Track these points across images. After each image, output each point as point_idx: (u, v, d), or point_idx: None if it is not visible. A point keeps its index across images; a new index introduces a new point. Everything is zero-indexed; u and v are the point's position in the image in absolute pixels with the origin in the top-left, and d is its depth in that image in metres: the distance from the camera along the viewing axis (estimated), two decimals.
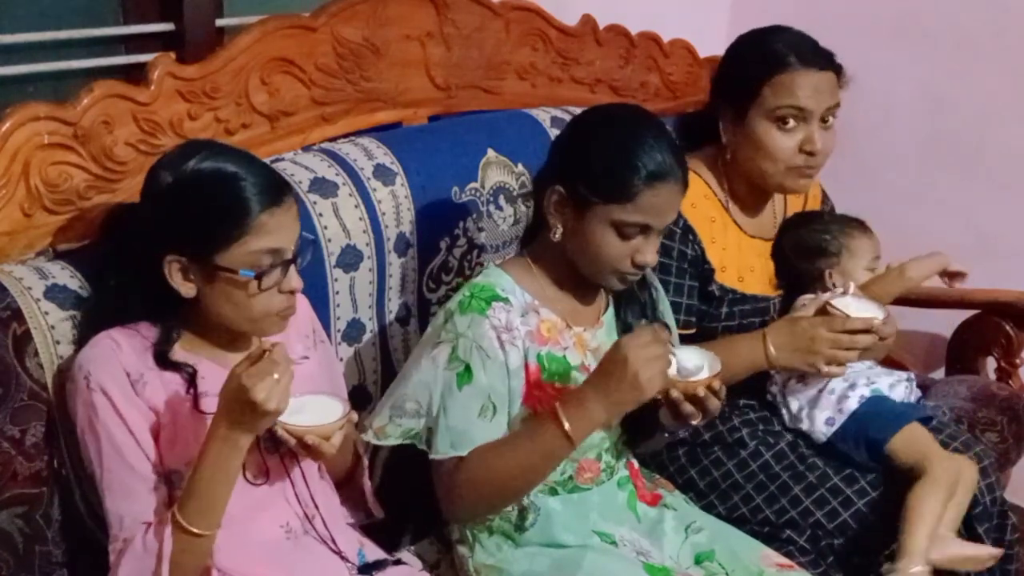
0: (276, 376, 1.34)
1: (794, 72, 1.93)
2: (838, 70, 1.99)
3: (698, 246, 1.98)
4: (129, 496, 1.45)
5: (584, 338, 1.72)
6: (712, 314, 2.02)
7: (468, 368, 1.61)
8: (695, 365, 1.62)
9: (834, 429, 1.94)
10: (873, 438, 1.91)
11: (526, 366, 1.65)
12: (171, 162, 1.48)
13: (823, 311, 1.87)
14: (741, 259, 2.05)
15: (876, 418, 1.93)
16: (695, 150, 2.06)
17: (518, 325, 1.65)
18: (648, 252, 1.62)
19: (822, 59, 1.96)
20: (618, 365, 1.51)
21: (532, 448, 1.59)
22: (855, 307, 1.85)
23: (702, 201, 2.02)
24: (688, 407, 1.61)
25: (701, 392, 1.60)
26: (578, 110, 1.79)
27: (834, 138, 2.00)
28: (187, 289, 1.46)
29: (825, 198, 2.25)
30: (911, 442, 1.90)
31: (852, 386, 1.96)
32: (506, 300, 1.65)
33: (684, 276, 1.96)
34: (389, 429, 1.66)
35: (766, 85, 1.95)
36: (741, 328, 2.03)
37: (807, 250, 2.03)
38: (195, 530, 1.39)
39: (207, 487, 1.40)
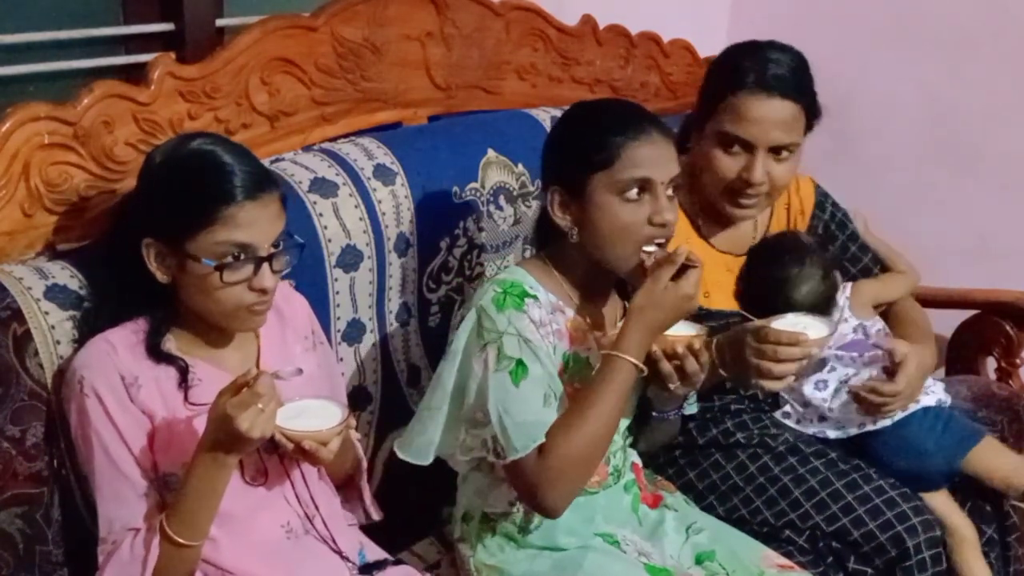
0: (260, 406, 1.34)
1: (746, 96, 1.85)
2: (806, 101, 1.88)
3: None
4: (119, 501, 1.46)
5: (603, 343, 1.70)
6: None
7: (521, 363, 1.57)
8: (676, 330, 1.63)
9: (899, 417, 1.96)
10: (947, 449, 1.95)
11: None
12: (164, 147, 1.50)
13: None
14: (706, 274, 1.97)
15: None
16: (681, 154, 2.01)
17: (548, 322, 1.64)
18: (663, 209, 1.59)
19: (786, 87, 1.85)
20: (666, 303, 1.56)
21: (603, 396, 1.57)
22: (800, 323, 1.73)
23: None
24: (666, 366, 1.61)
25: (680, 349, 1.60)
26: None
27: (790, 172, 1.92)
28: (162, 274, 1.47)
29: (820, 205, 2.14)
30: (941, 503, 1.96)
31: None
32: (535, 297, 1.64)
33: None
34: (470, 442, 1.63)
35: (721, 103, 1.88)
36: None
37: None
38: (181, 540, 1.41)
39: (194, 501, 1.41)
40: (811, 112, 1.92)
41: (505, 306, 1.60)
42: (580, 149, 1.60)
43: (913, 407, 1.96)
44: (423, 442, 1.66)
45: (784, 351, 1.68)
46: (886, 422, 1.96)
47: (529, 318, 1.60)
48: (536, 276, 1.67)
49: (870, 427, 1.98)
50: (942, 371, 2.61)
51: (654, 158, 1.60)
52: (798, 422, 2.03)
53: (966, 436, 1.99)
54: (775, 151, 1.88)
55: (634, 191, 1.59)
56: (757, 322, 1.74)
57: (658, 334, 1.60)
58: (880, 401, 1.90)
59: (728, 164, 1.89)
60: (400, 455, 1.68)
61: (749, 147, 1.87)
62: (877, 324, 2.04)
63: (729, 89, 1.88)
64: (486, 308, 1.60)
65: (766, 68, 1.87)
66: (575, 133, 1.63)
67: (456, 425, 1.64)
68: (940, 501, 1.96)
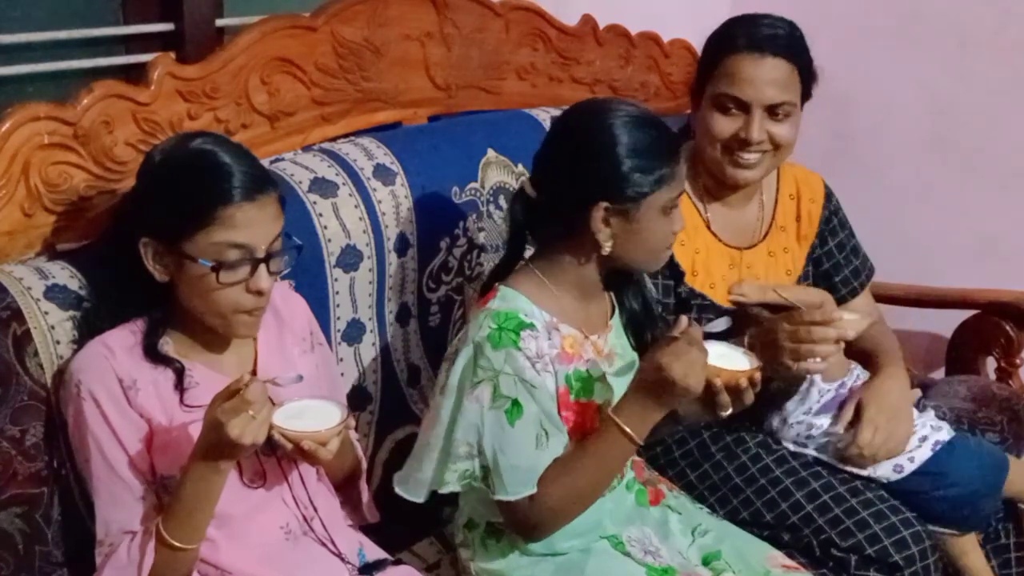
0: (251, 413, 1.34)
1: (738, 56, 1.88)
2: (799, 61, 1.90)
3: None
4: (116, 504, 1.46)
5: (598, 345, 1.71)
6: None
7: (516, 403, 1.58)
8: (732, 357, 1.65)
9: (903, 476, 1.93)
10: (977, 491, 1.93)
11: (557, 388, 1.64)
12: (163, 146, 1.49)
13: (776, 308, 1.84)
14: (711, 265, 2.00)
15: (969, 470, 1.94)
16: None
17: (547, 350, 1.63)
18: (679, 217, 1.66)
19: (777, 46, 1.88)
20: (661, 380, 1.54)
21: (599, 461, 1.61)
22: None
23: None
24: (725, 398, 1.62)
25: (744, 383, 1.61)
26: None
27: (791, 132, 1.92)
28: (160, 274, 1.46)
29: (829, 199, 2.14)
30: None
31: (923, 438, 1.95)
32: (531, 326, 1.62)
33: (656, 276, 1.93)
34: (447, 476, 1.62)
35: (715, 69, 1.91)
36: (705, 336, 1.99)
37: None
38: (177, 544, 1.41)
39: (189, 505, 1.41)
40: (806, 74, 1.93)
41: (501, 344, 1.59)
42: (641, 172, 1.58)
43: (911, 467, 1.94)
44: (420, 479, 1.65)
45: (818, 331, 1.72)
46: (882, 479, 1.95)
47: (525, 356, 1.59)
48: (529, 294, 1.65)
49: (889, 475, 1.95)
50: (942, 371, 2.62)
51: (685, 171, 1.66)
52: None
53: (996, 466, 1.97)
54: (772, 111, 1.89)
55: (673, 203, 1.63)
56: (802, 309, 1.76)
57: (660, 411, 1.60)
58: (860, 455, 1.90)
59: (726, 124, 1.91)
60: (397, 490, 1.67)
61: (745, 107, 1.89)
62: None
63: (722, 53, 1.91)
64: (482, 346, 1.59)
65: (757, 29, 1.90)
66: (629, 156, 1.58)
67: (437, 457, 1.63)
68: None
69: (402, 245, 1.99)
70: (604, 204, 1.59)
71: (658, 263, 1.72)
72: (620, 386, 1.67)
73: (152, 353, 1.49)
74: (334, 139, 2.05)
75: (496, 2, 2.27)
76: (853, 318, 1.76)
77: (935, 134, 2.77)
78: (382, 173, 1.98)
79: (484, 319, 1.61)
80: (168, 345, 1.52)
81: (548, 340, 1.63)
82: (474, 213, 2.09)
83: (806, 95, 1.95)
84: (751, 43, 1.88)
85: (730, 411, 1.64)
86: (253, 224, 1.44)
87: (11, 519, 1.52)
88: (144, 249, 1.46)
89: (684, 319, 1.59)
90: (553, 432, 1.62)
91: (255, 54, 1.88)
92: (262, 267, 1.46)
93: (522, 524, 1.64)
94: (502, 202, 2.14)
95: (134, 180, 1.53)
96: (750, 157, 1.92)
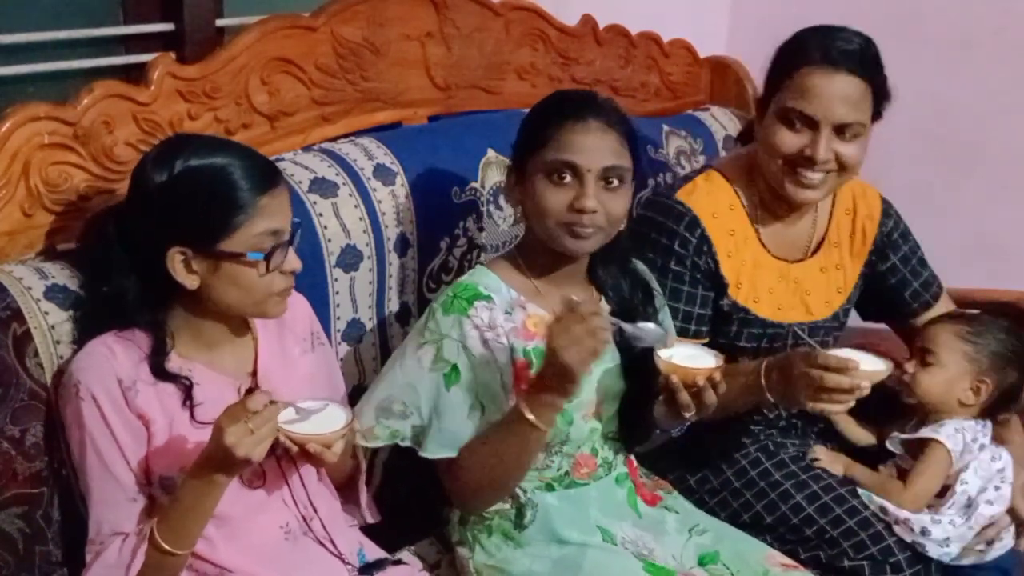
0: (251, 426, 1.33)
1: (810, 69, 1.80)
2: (873, 80, 1.83)
3: (712, 260, 1.90)
4: (108, 505, 1.46)
5: None
6: (721, 330, 1.95)
7: (455, 368, 1.64)
8: (699, 358, 1.63)
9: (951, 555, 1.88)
10: None
11: (514, 361, 1.66)
12: (158, 162, 1.47)
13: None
14: (757, 278, 1.94)
15: None
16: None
17: (502, 322, 1.66)
18: (586, 198, 1.60)
19: (852, 62, 1.80)
20: (550, 360, 1.52)
21: (510, 441, 1.62)
22: (857, 356, 1.66)
23: (725, 212, 1.92)
24: (684, 396, 1.61)
25: (701, 381, 1.60)
26: None
27: (859, 154, 1.85)
28: (192, 281, 1.47)
29: (887, 215, 2.07)
30: None
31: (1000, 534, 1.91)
32: (488, 298, 1.67)
33: (697, 286, 1.90)
34: (377, 431, 1.68)
35: (785, 81, 1.84)
36: (746, 351, 1.95)
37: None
38: (168, 548, 1.41)
39: (184, 512, 1.42)
40: (879, 93, 1.86)
41: (451, 310, 1.65)
42: (524, 130, 1.68)
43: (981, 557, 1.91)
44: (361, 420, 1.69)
45: (831, 378, 1.63)
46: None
47: (473, 323, 1.64)
48: (501, 273, 1.71)
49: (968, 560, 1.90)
50: None
51: (584, 145, 1.61)
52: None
53: None
54: (840, 131, 1.82)
55: (564, 172, 1.61)
56: (819, 352, 1.66)
57: (559, 396, 1.57)
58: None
59: (791, 140, 1.83)
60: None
61: (813, 124, 1.81)
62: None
63: (794, 65, 1.83)
64: (435, 310, 1.66)
65: (833, 43, 1.82)
66: (528, 116, 1.70)
67: (372, 412, 1.68)
68: None
69: (402, 245, 1.99)
70: (510, 167, 1.72)
71: (554, 236, 1.63)
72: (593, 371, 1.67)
73: (160, 372, 1.48)
74: (334, 139, 2.05)
75: (496, 2, 2.28)
76: (875, 369, 1.64)
77: (935, 134, 2.77)
78: (382, 173, 1.98)
79: (446, 288, 1.70)
80: (170, 347, 1.51)
81: (507, 315, 1.67)
82: (474, 213, 2.09)
83: (877, 115, 1.88)
84: (825, 56, 1.80)
85: (693, 412, 1.63)
86: (282, 208, 1.49)
87: (11, 519, 1.51)
88: (172, 260, 1.45)
89: (572, 299, 1.53)
90: (489, 405, 1.65)
91: (255, 54, 1.88)
92: (291, 248, 1.50)
93: (447, 487, 1.69)
94: (502, 202, 2.14)
95: (136, 195, 1.51)
96: (813, 177, 1.84)
